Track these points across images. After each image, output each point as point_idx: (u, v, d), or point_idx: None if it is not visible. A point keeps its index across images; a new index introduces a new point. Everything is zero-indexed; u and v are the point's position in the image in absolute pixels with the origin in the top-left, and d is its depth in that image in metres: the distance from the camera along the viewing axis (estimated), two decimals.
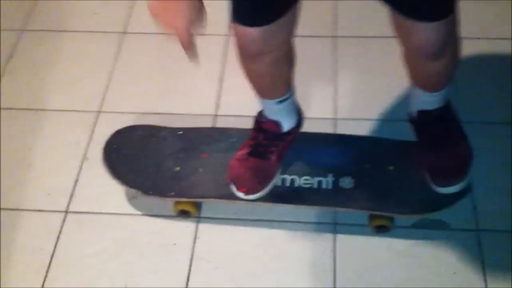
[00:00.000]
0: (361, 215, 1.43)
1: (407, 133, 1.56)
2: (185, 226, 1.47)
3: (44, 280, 1.40)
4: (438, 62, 1.17)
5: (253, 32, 1.11)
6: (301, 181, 1.42)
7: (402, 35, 1.14)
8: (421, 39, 1.09)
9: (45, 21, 2.01)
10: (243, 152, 1.44)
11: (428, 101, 1.34)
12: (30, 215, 1.51)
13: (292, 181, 1.43)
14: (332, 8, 1.95)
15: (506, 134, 1.60)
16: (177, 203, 1.45)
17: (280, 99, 1.33)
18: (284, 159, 1.44)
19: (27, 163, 1.62)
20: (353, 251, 1.42)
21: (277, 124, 1.39)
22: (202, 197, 1.43)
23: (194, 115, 1.70)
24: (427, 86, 1.30)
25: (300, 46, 1.78)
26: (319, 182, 1.41)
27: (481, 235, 1.42)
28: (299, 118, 1.44)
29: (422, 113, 1.37)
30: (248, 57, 1.20)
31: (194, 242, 1.45)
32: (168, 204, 1.48)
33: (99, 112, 1.72)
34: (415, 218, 1.43)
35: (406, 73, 1.32)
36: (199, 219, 1.49)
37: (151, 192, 1.42)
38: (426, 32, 1.08)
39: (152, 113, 1.70)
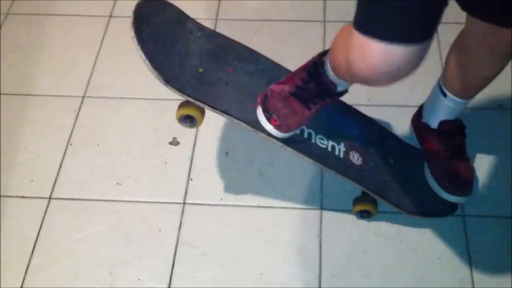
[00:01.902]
0: (346, 201, 1.42)
1: (393, 118, 1.57)
2: (171, 212, 1.47)
3: (27, 267, 1.39)
4: (505, 62, 1.19)
5: (409, 50, 0.80)
6: (317, 138, 1.34)
7: (483, 33, 1.13)
8: (505, 38, 1.09)
9: (31, 4, 1.97)
10: (286, 87, 1.27)
11: (455, 108, 1.35)
12: (14, 202, 1.50)
13: (309, 135, 1.34)
14: None
15: (491, 120, 1.60)
16: (182, 107, 1.28)
17: None
18: None
19: (11, 149, 1.60)
20: (339, 236, 1.41)
21: (334, 85, 1.21)
22: (226, 112, 1.25)
23: None
24: (470, 90, 1.31)
25: (291, 30, 1.76)
26: (333, 147, 1.35)
27: (466, 220, 1.42)
28: None
29: (445, 123, 1.38)
30: (384, 80, 0.87)
31: (180, 228, 1.44)
32: (151, 188, 1.47)
33: (83, 97, 1.70)
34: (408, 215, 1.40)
35: (448, 78, 1.31)
36: (184, 205, 1.48)
37: (171, 84, 1.23)
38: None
39: (138, 98, 1.68)
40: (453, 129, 1.40)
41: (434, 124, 1.40)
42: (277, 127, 1.24)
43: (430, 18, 0.82)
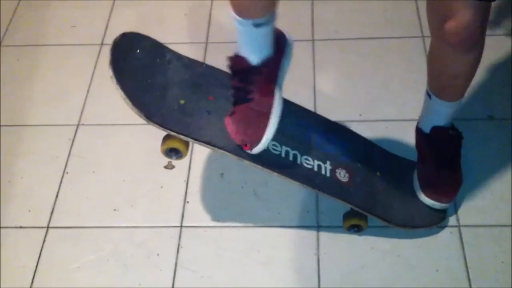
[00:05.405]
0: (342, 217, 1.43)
1: (384, 133, 1.58)
2: (169, 236, 1.47)
3: None
4: (468, 56, 1.16)
5: None
6: (302, 159, 1.34)
7: (441, 18, 1.09)
8: (462, 20, 1.06)
9: (23, 36, 2.00)
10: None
11: (444, 113, 1.34)
12: (12, 232, 1.50)
13: (295, 156, 1.33)
14: (310, 11, 1.96)
15: (483, 130, 1.61)
16: (166, 141, 1.28)
17: (257, 21, 1.15)
18: (285, 125, 1.27)
19: (7, 180, 1.61)
20: (336, 253, 1.42)
21: (242, 59, 1.21)
22: (209, 143, 1.23)
23: None
24: (448, 91, 1.29)
25: None
26: (319, 166, 1.35)
27: (462, 231, 1.43)
28: (278, 46, 1.28)
29: (437, 130, 1.37)
30: None
31: (178, 251, 1.45)
32: (148, 213, 1.48)
33: (77, 125, 1.71)
34: (397, 228, 1.41)
35: (428, 78, 1.31)
36: (181, 228, 1.48)
37: (152, 119, 1.22)
38: (469, 14, 1.04)
39: (131, 124, 1.70)
40: (445, 139, 1.39)
41: (426, 129, 1.39)
42: (250, 148, 1.21)
43: None
